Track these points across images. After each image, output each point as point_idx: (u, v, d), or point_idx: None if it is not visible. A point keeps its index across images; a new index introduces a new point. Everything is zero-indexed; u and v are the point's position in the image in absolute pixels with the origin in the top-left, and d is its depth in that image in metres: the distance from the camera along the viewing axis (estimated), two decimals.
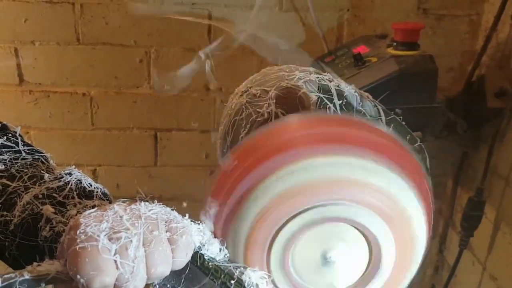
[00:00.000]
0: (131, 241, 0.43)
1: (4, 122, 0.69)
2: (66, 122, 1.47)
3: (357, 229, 0.51)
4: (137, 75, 1.44)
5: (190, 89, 1.45)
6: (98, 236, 0.42)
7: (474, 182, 1.31)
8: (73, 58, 1.40)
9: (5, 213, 0.55)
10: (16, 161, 0.62)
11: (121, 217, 0.44)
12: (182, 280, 0.49)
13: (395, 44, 1.07)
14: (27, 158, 0.64)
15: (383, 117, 0.73)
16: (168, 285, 0.50)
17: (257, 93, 0.72)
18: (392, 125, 0.73)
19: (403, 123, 0.78)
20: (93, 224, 0.43)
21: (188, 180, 1.55)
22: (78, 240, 0.42)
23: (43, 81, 1.43)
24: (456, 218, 1.49)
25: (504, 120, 1.21)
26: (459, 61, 1.43)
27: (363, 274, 0.53)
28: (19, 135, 0.68)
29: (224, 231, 0.50)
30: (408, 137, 0.74)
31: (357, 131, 0.51)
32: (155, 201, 0.50)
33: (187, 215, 0.49)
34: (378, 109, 0.74)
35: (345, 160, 0.48)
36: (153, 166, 1.54)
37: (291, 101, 0.67)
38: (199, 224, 0.49)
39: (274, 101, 0.68)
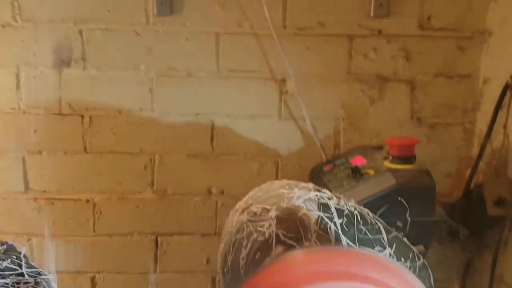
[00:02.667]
0: None
1: (11, 242, 0.70)
2: (68, 228, 1.47)
3: None
4: (140, 181, 1.46)
5: (192, 192, 1.47)
6: None
7: None
8: (79, 167, 1.43)
9: None
10: (18, 285, 0.63)
11: None
12: None
13: (391, 157, 1.09)
14: (29, 282, 0.64)
15: (384, 236, 0.74)
16: None
17: (257, 211, 0.74)
18: (394, 244, 0.73)
19: (405, 239, 0.78)
20: None
21: (188, 287, 1.51)
22: None
23: (48, 188, 1.44)
24: None
25: (505, 228, 1.21)
26: (456, 167, 1.45)
27: None
28: (24, 256, 0.69)
29: None
30: (410, 255, 0.74)
31: (360, 266, 0.52)
32: None
33: None
34: (378, 227, 0.75)
35: None
36: (152, 272, 1.51)
37: (291, 222, 0.69)
38: None
39: (275, 221, 0.69)
